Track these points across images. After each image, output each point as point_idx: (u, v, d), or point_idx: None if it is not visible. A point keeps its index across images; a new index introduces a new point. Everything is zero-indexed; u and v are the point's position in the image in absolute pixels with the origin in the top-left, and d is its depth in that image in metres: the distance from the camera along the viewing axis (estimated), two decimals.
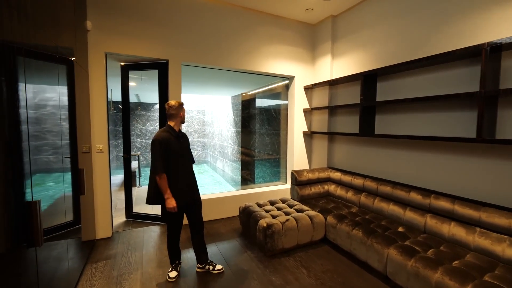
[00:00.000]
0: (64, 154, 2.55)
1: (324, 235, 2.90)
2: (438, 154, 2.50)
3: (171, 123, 2.24)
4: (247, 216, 3.04)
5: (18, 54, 1.65)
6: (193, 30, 3.29)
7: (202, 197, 3.60)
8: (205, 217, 3.54)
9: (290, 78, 4.15)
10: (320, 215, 2.91)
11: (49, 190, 2.46)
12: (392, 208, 2.73)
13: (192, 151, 2.41)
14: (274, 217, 2.85)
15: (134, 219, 3.63)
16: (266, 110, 5.52)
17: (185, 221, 3.19)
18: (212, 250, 2.77)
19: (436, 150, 2.52)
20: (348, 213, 2.93)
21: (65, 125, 2.55)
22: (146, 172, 7.22)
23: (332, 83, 3.68)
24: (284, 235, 2.64)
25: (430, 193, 2.47)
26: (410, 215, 2.55)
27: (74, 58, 2.54)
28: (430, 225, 2.37)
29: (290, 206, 3.21)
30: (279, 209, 3.14)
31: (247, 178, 6.07)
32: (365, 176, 3.21)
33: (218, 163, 8.45)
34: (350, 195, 3.27)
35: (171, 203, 2.10)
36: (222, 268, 2.39)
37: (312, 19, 3.90)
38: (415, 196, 2.55)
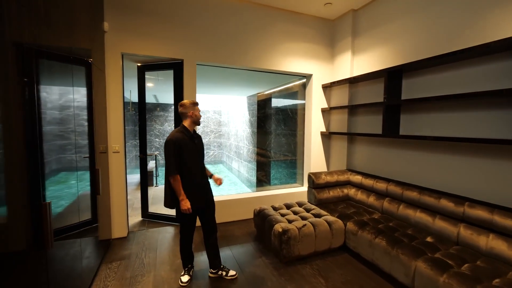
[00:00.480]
0: (85, 154, 2.60)
1: (343, 242, 2.73)
2: (472, 157, 2.26)
3: (185, 123, 2.18)
4: (261, 219, 2.93)
5: (39, 57, 1.70)
6: (208, 29, 3.23)
7: (217, 198, 3.55)
8: (220, 219, 3.48)
9: (308, 77, 3.99)
10: (339, 221, 2.75)
11: (72, 188, 2.52)
12: (419, 216, 2.51)
13: (208, 151, 2.32)
14: (290, 221, 2.73)
15: (150, 219, 3.64)
16: (282, 110, 5.38)
17: (198, 223, 3.15)
18: (226, 253, 2.69)
19: (471, 153, 2.27)
20: (370, 219, 2.74)
21: (85, 125, 2.60)
22: (163, 172, 7.33)
23: (353, 81, 3.48)
24: (300, 241, 2.51)
25: (464, 201, 2.24)
26: (440, 224, 2.33)
27: (91, 60, 2.56)
28: (464, 236, 2.14)
29: (307, 211, 3.06)
30: (295, 213, 3.00)
31: (262, 180, 5.96)
32: (388, 180, 2.99)
33: (233, 163, 8.42)
34: (372, 200, 3.07)
35: (186, 204, 2.06)
36: (236, 274, 2.31)
37: (331, 14, 3.72)
38: (446, 203, 2.32)
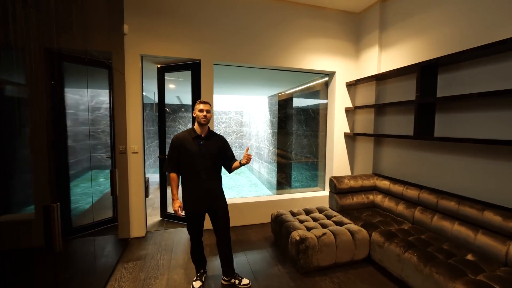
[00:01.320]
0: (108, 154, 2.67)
1: (368, 254, 2.50)
2: None
3: (195, 124, 2.12)
4: (279, 225, 2.79)
5: (65, 60, 1.79)
6: (226, 28, 3.16)
7: (235, 201, 3.48)
8: (237, 222, 3.40)
9: (330, 74, 3.77)
10: (364, 230, 2.52)
11: (100, 186, 2.61)
12: (457, 229, 2.21)
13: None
14: (308, 229, 2.56)
15: (168, 219, 3.66)
16: (303, 110, 5.18)
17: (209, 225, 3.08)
18: (241, 259, 2.59)
19: None
20: (398, 230, 2.48)
21: (109, 126, 2.68)
22: None
23: (380, 78, 3.21)
24: (319, 251, 2.33)
25: None
26: (483, 240, 2.02)
27: (111, 62, 2.61)
28: None
29: (328, 217, 2.86)
30: (315, 219, 2.82)
31: (282, 182, 5.80)
32: (420, 187, 2.69)
33: (254, 164, 8.34)
34: (401, 208, 2.79)
35: (174, 205, 2.05)
36: (249, 283, 2.19)
37: (356, 6, 3.47)
38: (491, 217, 2.00)
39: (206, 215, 2.18)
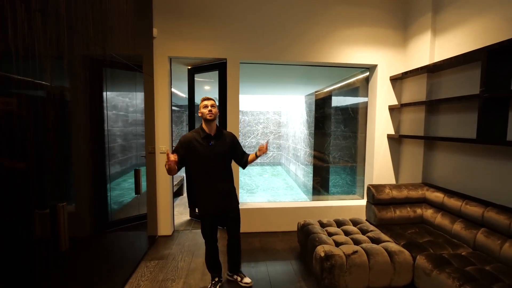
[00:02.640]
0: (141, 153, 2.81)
1: (411, 281, 2.08)
2: None
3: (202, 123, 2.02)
4: (305, 236, 2.53)
5: (104, 66, 1.95)
6: (250, 25, 3.02)
7: (261, 205, 3.32)
8: (262, 228, 3.24)
9: (371, 68, 3.33)
10: (406, 252, 2.10)
11: (144, 182, 2.77)
12: None
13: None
14: (337, 244, 2.25)
15: (196, 218, 3.68)
16: (342, 109, 4.74)
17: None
18: (261, 270, 2.41)
19: None
20: (453, 255, 2.00)
21: (142, 127, 2.82)
22: None
23: (433, 69, 2.69)
24: (348, 272, 2.01)
25: None
26: None
27: (141, 65, 2.69)
28: None
29: (363, 232, 2.49)
30: (347, 233, 2.48)
31: (318, 186, 5.42)
32: (486, 203, 2.15)
33: (291, 166, 8.05)
34: (458, 228, 2.27)
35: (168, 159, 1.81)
36: (251, 282, 2.20)
37: None
38: None
39: None
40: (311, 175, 5.78)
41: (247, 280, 2.19)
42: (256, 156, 2.10)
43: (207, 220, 2.03)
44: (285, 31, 3.06)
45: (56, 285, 1.40)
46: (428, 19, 2.80)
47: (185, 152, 1.95)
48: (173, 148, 1.99)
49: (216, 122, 2.04)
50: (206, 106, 1.94)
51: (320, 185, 5.38)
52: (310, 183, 5.88)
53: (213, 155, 1.96)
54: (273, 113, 9.79)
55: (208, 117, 1.93)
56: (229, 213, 2.07)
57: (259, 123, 9.77)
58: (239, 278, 2.20)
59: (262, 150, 2.07)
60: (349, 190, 4.45)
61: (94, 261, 1.85)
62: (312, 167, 5.82)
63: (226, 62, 3.08)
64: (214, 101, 1.99)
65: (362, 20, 3.12)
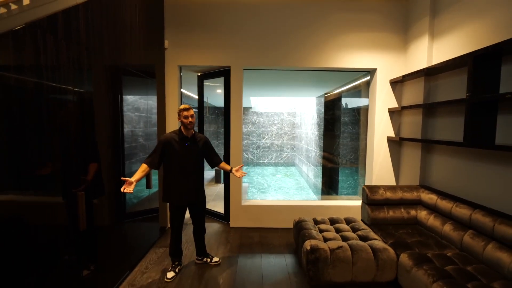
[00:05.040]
0: None
1: (395, 277, 2.17)
2: None
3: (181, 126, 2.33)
4: (298, 231, 2.69)
5: (122, 74, 2.38)
6: (252, 33, 3.23)
7: (263, 202, 3.52)
8: (262, 224, 3.44)
9: (371, 72, 3.39)
10: (391, 249, 2.20)
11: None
12: None
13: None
14: (326, 240, 2.39)
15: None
16: (348, 112, 4.79)
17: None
18: (255, 261, 2.62)
19: None
20: (436, 255, 2.07)
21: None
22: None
23: (430, 72, 2.72)
24: (331, 266, 2.15)
25: None
26: None
27: (154, 73, 3.04)
28: None
29: (354, 230, 2.60)
30: (338, 231, 2.61)
31: (327, 186, 5.49)
32: (474, 206, 2.17)
33: (303, 166, 8.13)
34: (447, 229, 2.31)
35: (125, 188, 1.97)
36: (219, 260, 2.58)
37: None
38: None
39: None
40: (321, 175, 5.86)
41: (216, 259, 2.58)
42: (229, 171, 2.49)
43: (177, 212, 2.35)
44: (286, 38, 3.23)
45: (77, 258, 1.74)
46: (426, 23, 2.83)
47: (164, 150, 2.24)
48: (155, 147, 2.29)
49: (193, 127, 2.37)
50: (186, 117, 2.24)
51: (329, 185, 5.45)
52: (319, 184, 5.96)
53: (188, 153, 2.29)
54: (288, 114, 9.90)
55: (189, 126, 2.27)
56: (196, 204, 2.43)
57: (274, 124, 9.93)
58: (208, 260, 2.57)
59: (237, 173, 2.46)
60: (355, 191, 4.50)
61: (112, 244, 2.24)
62: (321, 168, 5.90)
63: (230, 69, 3.33)
64: (192, 110, 2.30)
65: (362, 25, 3.20)
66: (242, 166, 2.56)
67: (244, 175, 2.54)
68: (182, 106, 2.27)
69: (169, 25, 3.22)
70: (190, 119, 2.25)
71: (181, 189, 2.30)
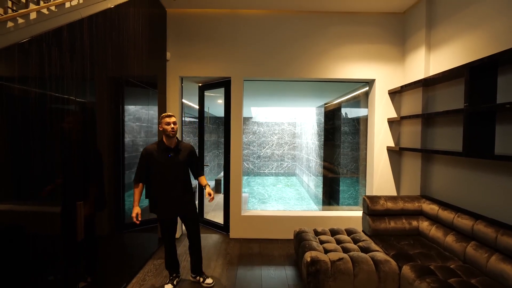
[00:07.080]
0: None
1: None
2: None
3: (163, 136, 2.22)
4: (298, 242, 2.66)
5: (125, 85, 2.43)
6: (252, 45, 3.30)
7: (263, 213, 3.49)
8: (262, 235, 3.40)
9: (370, 82, 3.44)
10: (392, 261, 2.16)
11: None
12: None
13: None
14: (327, 251, 2.36)
15: (204, 224, 3.93)
16: (348, 122, 4.82)
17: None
18: (254, 273, 2.57)
19: None
20: (439, 267, 2.03)
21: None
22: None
23: (428, 83, 2.75)
24: (332, 278, 2.11)
25: None
26: None
27: (155, 84, 3.08)
28: None
29: (355, 242, 2.57)
30: (339, 242, 2.57)
31: (327, 197, 5.45)
32: (476, 216, 2.15)
33: (304, 176, 8.10)
34: (450, 240, 2.27)
35: (133, 212, 2.11)
36: (212, 282, 2.38)
37: (399, 6, 3.11)
38: None
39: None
40: (321, 185, 5.83)
41: (209, 280, 2.38)
42: (204, 187, 2.32)
43: (165, 224, 2.29)
44: (286, 50, 3.30)
45: (72, 270, 1.72)
46: (422, 35, 2.89)
47: (147, 163, 2.17)
48: (139, 163, 2.22)
49: (176, 136, 2.24)
50: (168, 123, 2.13)
51: (329, 195, 5.41)
52: (320, 194, 5.92)
53: (172, 165, 2.18)
54: (288, 124, 9.96)
55: (171, 134, 2.14)
56: (186, 215, 2.30)
57: (274, 134, 9.97)
58: (201, 279, 2.39)
59: (210, 197, 2.26)
60: (356, 201, 4.46)
61: (110, 255, 2.21)
62: (322, 178, 5.88)
63: (230, 80, 3.38)
64: (175, 117, 2.21)
65: (360, 37, 3.27)
66: (213, 198, 2.30)
67: (210, 202, 2.45)
68: (163, 114, 2.19)
69: (171, 37, 3.30)
70: (172, 125, 2.13)
71: (168, 201, 2.21)
